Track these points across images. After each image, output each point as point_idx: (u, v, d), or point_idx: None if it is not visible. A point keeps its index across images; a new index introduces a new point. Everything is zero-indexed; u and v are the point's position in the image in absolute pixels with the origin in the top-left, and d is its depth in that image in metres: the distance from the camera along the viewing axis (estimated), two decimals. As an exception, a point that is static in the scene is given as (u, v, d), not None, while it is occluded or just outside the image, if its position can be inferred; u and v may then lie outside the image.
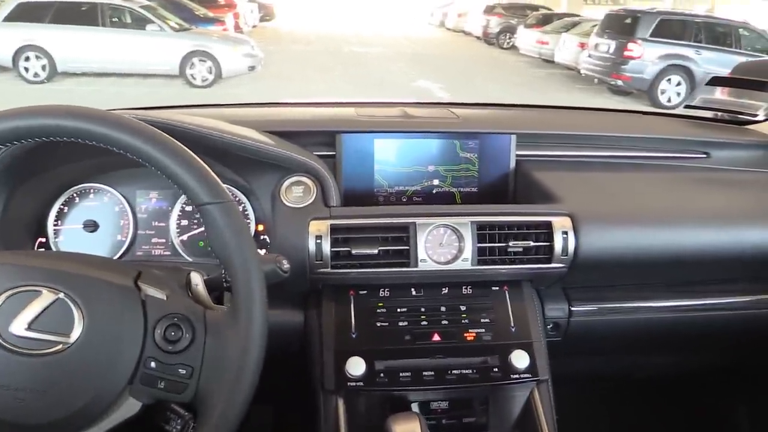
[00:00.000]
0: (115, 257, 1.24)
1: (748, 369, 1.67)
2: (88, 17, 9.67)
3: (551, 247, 1.15)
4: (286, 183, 1.17)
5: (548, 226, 1.15)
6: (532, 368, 1.12)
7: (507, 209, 1.17)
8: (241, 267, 0.80)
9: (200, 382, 0.78)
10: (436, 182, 1.37)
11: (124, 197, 1.26)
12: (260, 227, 1.24)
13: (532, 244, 1.15)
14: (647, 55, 10.20)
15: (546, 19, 15.69)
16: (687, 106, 1.73)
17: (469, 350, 1.14)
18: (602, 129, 1.43)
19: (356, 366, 1.08)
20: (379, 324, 1.15)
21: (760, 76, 1.98)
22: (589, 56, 11.18)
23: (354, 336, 1.13)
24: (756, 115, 1.62)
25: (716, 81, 1.73)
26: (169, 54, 9.79)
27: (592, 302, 1.29)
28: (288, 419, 1.53)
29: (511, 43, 17.08)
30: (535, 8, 18.26)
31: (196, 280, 0.90)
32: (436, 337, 1.14)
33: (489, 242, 1.15)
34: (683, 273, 1.29)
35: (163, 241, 1.27)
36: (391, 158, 1.34)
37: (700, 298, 1.33)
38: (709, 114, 1.84)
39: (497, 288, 1.21)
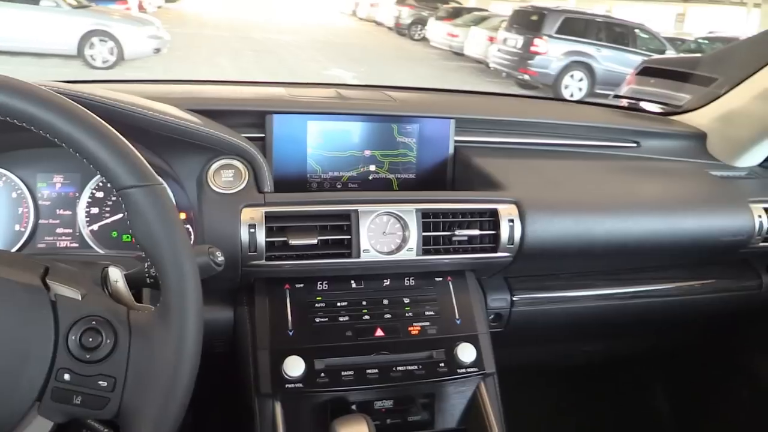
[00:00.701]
0: (12, 251, 1.08)
1: (668, 351, 1.72)
2: (-25, -9, 8.85)
3: (497, 236, 1.10)
4: (214, 166, 1.06)
5: (494, 213, 1.11)
6: (478, 362, 1.08)
7: (452, 196, 1.12)
8: (172, 260, 0.69)
9: (124, 395, 0.67)
10: (372, 168, 1.29)
11: (22, 181, 1.11)
12: (182, 216, 1.12)
13: (477, 232, 1.10)
14: (552, 52, 10.60)
15: (456, 13, 15.95)
16: (616, 96, 1.75)
17: (413, 345, 1.08)
18: (540, 116, 1.41)
19: (294, 366, 1.00)
20: (318, 320, 1.06)
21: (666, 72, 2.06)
22: (498, 50, 11.48)
23: (291, 333, 1.04)
24: (679, 107, 1.65)
25: (647, 71, 1.77)
26: (66, 32, 9.07)
27: (533, 291, 1.26)
28: (212, 428, 1.41)
29: (422, 35, 17.24)
30: (446, 1, 18.51)
31: (116, 275, 0.78)
32: (379, 332, 1.07)
33: (434, 231, 1.09)
34: (624, 260, 1.29)
35: (70, 231, 1.13)
36: (324, 142, 1.26)
37: (637, 285, 1.33)
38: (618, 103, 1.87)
39: (440, 279, 1.15)
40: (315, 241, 1.02)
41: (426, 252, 1.08)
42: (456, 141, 1.31)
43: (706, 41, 13.00)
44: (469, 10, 16.42)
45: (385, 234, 1.07)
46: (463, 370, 1.07)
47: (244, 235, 1.00)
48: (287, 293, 1.08)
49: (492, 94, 1.70)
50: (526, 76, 10.82)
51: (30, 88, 0.66)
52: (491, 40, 12.09)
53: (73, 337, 0.66)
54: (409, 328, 1.09)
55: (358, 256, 1.04)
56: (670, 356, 1.74)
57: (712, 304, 1.41)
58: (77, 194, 1.13)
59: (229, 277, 1.02)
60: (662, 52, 11.04)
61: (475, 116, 1.34)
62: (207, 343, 1.02)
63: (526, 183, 1.19)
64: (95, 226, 1.13)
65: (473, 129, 1.34)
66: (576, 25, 10.92)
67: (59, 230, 1.13)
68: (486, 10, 16.91)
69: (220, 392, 1.17)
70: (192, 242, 1.07)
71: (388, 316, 1.09)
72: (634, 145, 1.47)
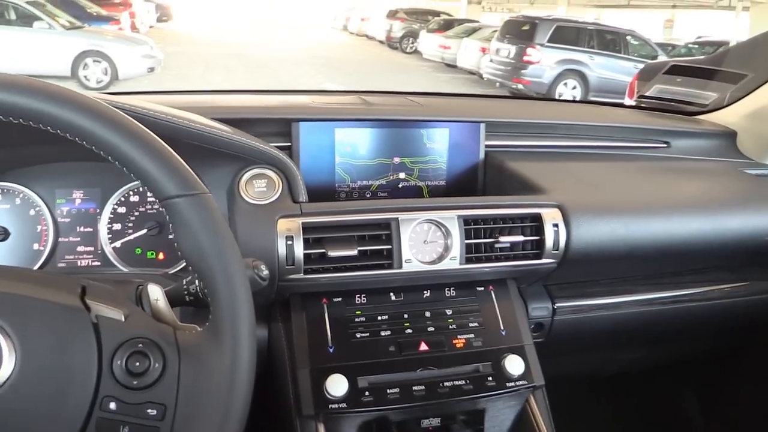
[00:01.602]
0: None
1: (703, 357, 1.67)
2: (-33, 13, 8.82)
3: (542, 242, 1.05)
4: (246, 176, 1.01)
5: (537, 218, 1.06)
6: (527, 374, 1.03)
7: (494, 201, 1.07)
8: (223, 274, 0.64)
9: (175, 424, 0.61)
10: (402, 175, 1.24)
11: (40, 198, 1.05)
12: None
13: (522, 238, 1.05)
14: (545, 60, 10.59)
15: (447, 25, 16.00)
16: (641, 96, 1.71)
17: (459, 358, 1.02)
18: (569, 119, 1.36)
19: (337, 385, 0.94)
20: (359, 335, 1.01)
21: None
22: (491, 61, 11.48)
23: (331, 350, 0.99)
24: (706, 105, 1.62)
25: (674, 70, 1.73)
26: (60, 54, 9.04)
27: (575, 299, 1.21)
28: None
29: (414, 48, 17.27)
30: (437, 14, 18.58)
31: (156, 293, 0.72)
32: (423, 346, 1.02)
33: (476, 238, 1.04)
34: (667, 264, 1.25)
35: (91, 249, 1.07)
36: (352, 150, 1.21)
37: (678, 289, 1.28)
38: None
39: (482, 288, 1.10)
40: (355, 252, 0.97)
41: (469, 260, 1.03)
42: (486, 146, 1.27)
43: (696, 46, 13.09)
44: (461, 22, 16.46)
45: (426, 243, 1.02)
46: (512, 384, 1.01)
47: (282, 248, 0.94)
48: (325, 308, 1.02)
49: (518, 98, 1.66)
50: (520, 86, 10.81)
51: (69, 94, 0.61)
52: (483, 50, 12.09)
53: (119, 362, 0.61)
54: (454, 341, 1.04)
55: (400, 267, 0.99)
56: (705, 362, 1.69)
57: (754, 306, 1.36)
58: (98, 210, 1.08)
59: (265, 292, 0.97)
60: (654, 57, 11.08)
61: (505, 119, 1.30)
62: None
63: (566, 186, 1.14)
64: (118, 243, 1.08)
65: (503, 133, 1.30)
66: (568, 34, 10.94)
67: (80, 248, 1.07)
68: (477, 21, 16.98)
69: (256, 415, 1.11)
70: None
71: (431, 329, 1.04)
72: (665, 145, 1.43)
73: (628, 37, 11.40)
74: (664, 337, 1.43)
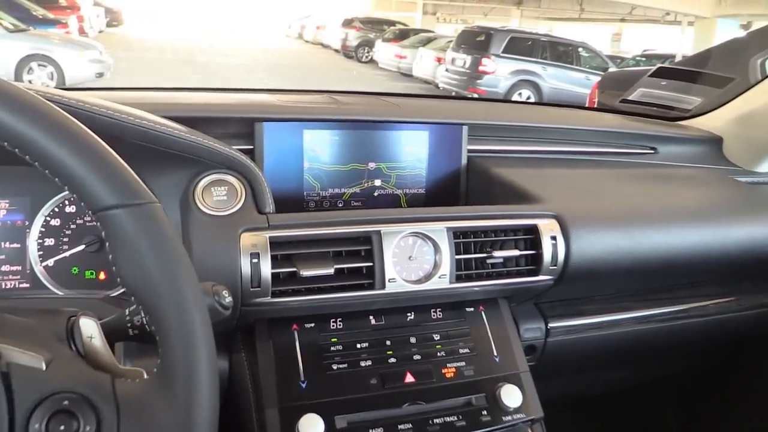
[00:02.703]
0: None
1: (691, 374, 1.59)
2: None
3: (538, 257, 0.94)
4: (203, 183, 0.87)
5: (533, 230, 0.95)
6: (524, 406, 0.91)
7: (485, 211, 0.95)
8: (175, 305, 0.50)
9: None
10: (377, 183, 1.12)
11: None
12: None
13: (517, 252, 0.93)
14: (500, 71, 10.69)
15: (403, 34, 16.00)
16: (623, 101, 1.63)
17: (450, 390, 0.90)
18: (556, 122, 1.27)
19: (311, 426, 0.80)
20: (335, 366, 0.87)
21: (623, 86, 1.97)
22: (446, 71, 11.50)
23: (304, 385, 0.85)
24: (687, 110, 1.55)
25: (662, 72, 1.66)
26: (3, 57, 8.63)
27: (569, 318, 1.11)
28: None
29: (369, 57, 17.22)
30: (392, 23, 18.59)
31: (89, 328, 0.57)
32: (409, 378, 0.89)
33: (466, 253, 0.92)
34: (670, 278, 1.15)
35: (18, 268, 0.91)
36: (323, 154, 1.08)
37: (675, 304, 1.19)
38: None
39: (471, 309, 0.98)
40: (331, 271, 0.84)
41: (459, 278, 0.91)
42: (469, 150, 1.16)
43: (643, 59, 13.43)
44: (416, 32, 16.48)
45: (412, 259, 0.89)
46: (509, 417, 0.90)
47: (245, 267, 0.80)
48: (296, 335, 0.88)
49: (500, 101, 1.56)
50: (475, 95, 10.86)
51: None
52: (439, 60, 12.12)
53: (37, 426, 0.46)
54: (443, 371, 0.91)
55: (383, 287, 0.86)
56: (691, 378, 1.61)
57: (746, 321, 1.29)
58: (27, 223, 0.91)
59: (225, 318, 0.83)
60: (605, 69, 11.30)
61: (489, 122, 1.19)
62: None
63: (562, 194, 1.04)
64: (50, 262, 0.91)
65: (487, 137, 1.19)
66: (522, 45, 11.08)
67: (5, 267, 0.91)
68: (432, 32, 17.05)
69: None
70: None
71: (417, 357, 0.91)
72: (652, 151, 1.35)
73: (580, 49, 11.64)
74: (657, 355, 1.34)
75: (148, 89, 1.21)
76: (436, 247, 0.89)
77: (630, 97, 1.64)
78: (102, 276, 0.93)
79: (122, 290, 0.93)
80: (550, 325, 1.08)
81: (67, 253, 0.92)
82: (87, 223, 0.94)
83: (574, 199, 1.03)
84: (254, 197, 0.88)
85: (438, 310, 0.96)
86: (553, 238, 0.95)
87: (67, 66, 8.96)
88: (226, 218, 0.84)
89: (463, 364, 0.92)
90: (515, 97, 10.70)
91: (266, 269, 0.81)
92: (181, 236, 0.84)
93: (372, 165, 1.11)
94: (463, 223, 0.91)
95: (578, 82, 10.74)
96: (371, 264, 0.86)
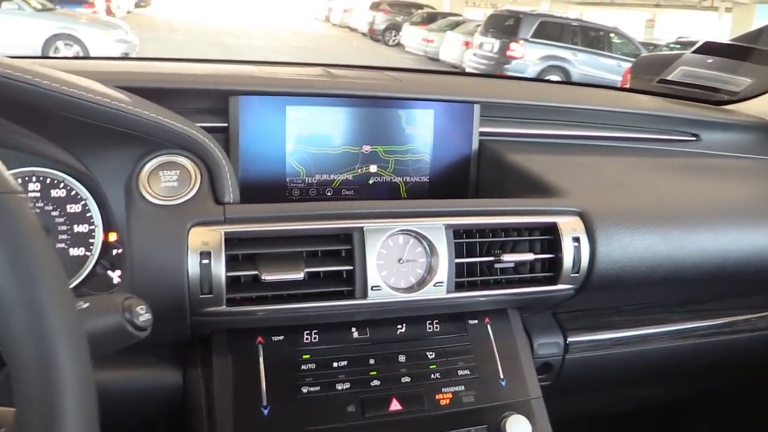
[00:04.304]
0: None
1: (725, 392, 1.42)
2: (-71, -8, 8.45)
3: (557, 261, 0.78)
4: (149, 166, 0.72)
5: (552, 230, 0.79)
6: None
7: (493, 206, 0.80)
8: (31, 329, 0.36)
9: None
10: (373, 169, 0.97)
11: None
12: (111, 237, 0.78)
13: (531, 256, 0.78)
14: (529, 56, 10.47)
15: (431, 18, 15.75)
16: (662, 81, 1.44)
17: (445, 421, 0.75)
18: (582, 102, 1.09)
19: None
20: (306, 389, 0.73)
21: (658, 70, 1.78)
22: (474, 55, 11.29)
23: (266, 412, 0.71)
24: (737, 93, 1.36)
25: (707, 48, 1.47)
26: (30, 36, 8.70)
27: (592, 331, 0.95)
28: None
29: (396, 41, 16.99)
30: (420, 6, 18.29)
31: None
32: (395, 405, 0.74)
33: (469, 256, 0.76)
34: (717, 287, 0.99)
35: None
36: (310, 134, 0.93)
37: (722, 316, 1.03)
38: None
39: (475, 321, 0.83)
40: (301, 276, 0.69)
41: (460, 287, 0.75)
42: (481, 133, 1.00)
43: (678, 45, 13.01)
44: (444, 15, 16.21)
45: (402, 262, 0.74)
46: None
47: (193, 269, 0.66)
48: (260, 350, 0.74)
49: (517, 79, 1.38)
50: (496, 76, 10.65)
51: None
52: (467, 44, 11.90)
53: None
54: (438, 396, 0.76)
55: (364, 296, 0.72)
56: (722, 396, 1.44)
57: None
58: None
59: (173, 329, 0.69)
60: (637, 56, 10.98)
61: (504, 101, 1.03)
62: (146, 420, 0.69)
63: (587, 186, 0.87)
64: None
65: (502, 117, 1.03)
66: (551, 29, 10.84)
67: None
68: (461, 15, 16.75)
69: None
70: (118, 282, 0.74)
71: (406, 379, 0.76)
72: (693, 138, 1.17)
73: (612, 35, 11.33)
74: (694, 373, 1.17)
75: (128, 59, 1.07)
76: (432, 249, 0.74)
77: (669, 77, 1.45)
78: None
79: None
80: (570, 339, 0.92)
81: None
82: None
83: (602, 193, 0.86)
84: (212, 184, 0.73)
85: (434, 321, 0.81)
86: (576, 239, 0.79)
87: (92, 45, 9.02)
88: (173, 209, 0.69)
89: (462, 388, 0.77)
90: (544, 84, 10.45)
91: (219, 272, 0.66)
92: (125, 230, 0.70)
93: (367, 148, 0.96)
94: (466, 220, 0.76)
95: (609, 69, 10.47)
96: (351, 268, 0.71)
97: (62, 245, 0.80)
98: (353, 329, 0.78)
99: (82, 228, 0.79)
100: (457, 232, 0.76)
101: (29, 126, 0.68)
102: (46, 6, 9.62)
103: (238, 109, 0.88)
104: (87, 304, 0.48)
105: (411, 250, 0.74)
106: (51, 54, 8.75)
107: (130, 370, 0.73)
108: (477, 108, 0.99)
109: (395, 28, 17.33)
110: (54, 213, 0.80)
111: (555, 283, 0.79)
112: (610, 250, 0.79)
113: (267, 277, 0.68)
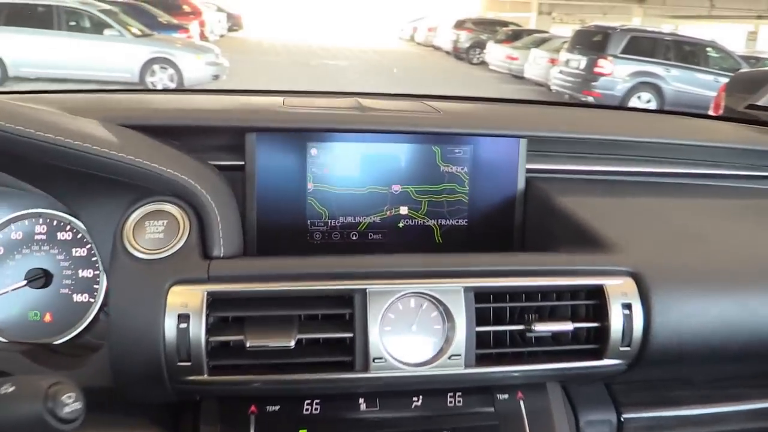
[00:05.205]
0: None
1: None
2: (43, 20, 9.14)
3: (604, 331, 0.66)
4: (135, 215, 0.66)
5: (598, 293, 0.67)
6: None
7: (526, 263, 0.68)
8: None
9: None
10: (403, 211, 0.88)
11: None
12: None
13: (571, 326, 0.66)
14: (618, 72, 10.09)
15: (516, 35, 15.53)
16: (750, 106, 1.26)
17: None
18: (647, 134, 0.96)
19: None
20: None
21: (757, 88, 1.57)
22: (560, 72, 11.01)
23: None
24: (842, 121, 1.17)
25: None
26: (129, 60, 9.34)
27: (652, 408, 0.80)
28: None
29: (480, 59, 16.85)
30: (505, 24, 18.08)
31: None
32: None
33: (496, 324, 0.65)
34: None
35: None
36: (333, 173, 0.85)
37: None
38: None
39: (505, 396, 0.71)
40: (291, 344, 0.60)
41: (484, 359, 0.65)
42: (528, 170, 0.89)
43: (785, 59, 12.20)
44: (530, 33, 15.94)
45: (414, 329, 0.64)
46: None
47: (170, 333, 0.59)
48: (251, 422, 0.66)
49: (565, 105, 1.25)
50: (590, 98, 10.29)
51: None
52: (552, 62, 11.62)
53: None
54: None
55: (366, 370, 0.62)
56: None
57: None
58: None
59: (157, 394, 0.62)
60: (737, 70, 10.34)
61: (554, 134, 0.91)
62: None
63: (645, 238, 0.74)
64: None
65: (552, 153, 0.91)
66: (643, 45, 10.40)
67: None
68: (546, 32, 16.43)
69: None
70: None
71: None
72: None
73: (709, 49, 10.73)
74: None
75: (141, 91, 1.03)
76: (448, 315, 0.63)
77: (760, 102, 1.26)
78: (47, 318, 0.76)
79: (72, 335, 0.76)
80: (625, 416, 0.79)
81: (8, 288, 0.76)
82: (35, 253, 0.77)
83: (663, 247, 0.73)
84: (201, 235, 0.66)
85: (457, 395, 0.70)
86: (627, 306, 0.66)
87: (185, 68, 9.55)
88: (155, 264, 0.62)
89: None
90: (633, 101, 10.01)
91: (198, 337, 0.59)
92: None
93: (397, 188, 0.87)
94: (489, 282, 0.65)
95: (706, 85, 9.89)
96: (351, 335, 0.62)
97: (66, 291, 0.76)
98: (360, 400, 0.68)
99: (86, 273, 0.76)
100: (480, 295, 0.65)
101: (15, 174, 0.64)
102: (145, 32, 10.24)
103: (255, 146, 0.82)
104: (12, 388, 0.42)
105: (424, 314, 0.64)
106: (147, 77, 9.30)
107: (120, 430, 0.67)
108: (523, 142, 0.88)
109: (479, 46, 17.21)
110: (59, 257, 0.76)
111: (600, 358, 0.67)
112: (669, 319, 0.66)
113: (252, 343, 0.60)
